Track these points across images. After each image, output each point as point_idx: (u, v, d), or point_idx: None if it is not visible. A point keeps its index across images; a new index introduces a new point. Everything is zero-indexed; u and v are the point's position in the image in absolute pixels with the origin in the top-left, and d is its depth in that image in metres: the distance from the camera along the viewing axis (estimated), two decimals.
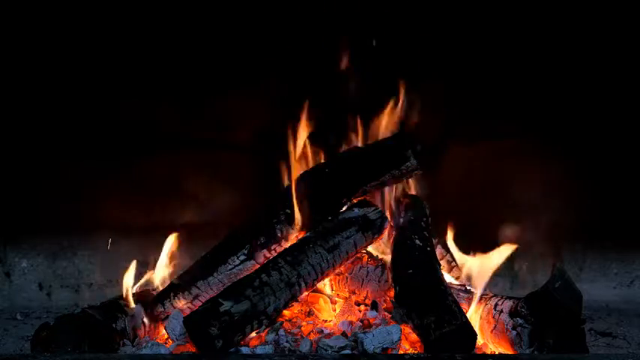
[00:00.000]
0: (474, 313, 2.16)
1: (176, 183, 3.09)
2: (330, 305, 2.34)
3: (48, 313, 2.87)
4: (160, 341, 2.17)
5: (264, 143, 3.04)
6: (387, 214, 2.44)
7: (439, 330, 1.90)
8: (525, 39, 3.00)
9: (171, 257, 2.44)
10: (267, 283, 2.05)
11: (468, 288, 2.32)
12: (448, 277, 2.41)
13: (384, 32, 2.85)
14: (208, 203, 3.04)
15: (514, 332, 1.98)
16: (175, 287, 2.31)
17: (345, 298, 2.37)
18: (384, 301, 2.29)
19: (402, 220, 2.47)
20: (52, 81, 3.01)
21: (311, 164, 2.54)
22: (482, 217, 2.71)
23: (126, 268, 2.32)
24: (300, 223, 2.35)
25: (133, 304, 2.22)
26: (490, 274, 2.25)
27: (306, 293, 2.24)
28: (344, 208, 2.38)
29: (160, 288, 2.37)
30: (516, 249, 2.28)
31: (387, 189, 2.51)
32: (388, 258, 2.36)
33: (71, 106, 3.05)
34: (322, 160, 2.55)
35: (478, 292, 2.22)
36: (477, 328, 2.04)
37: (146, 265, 2.45)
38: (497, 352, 2.06)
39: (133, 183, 3.04)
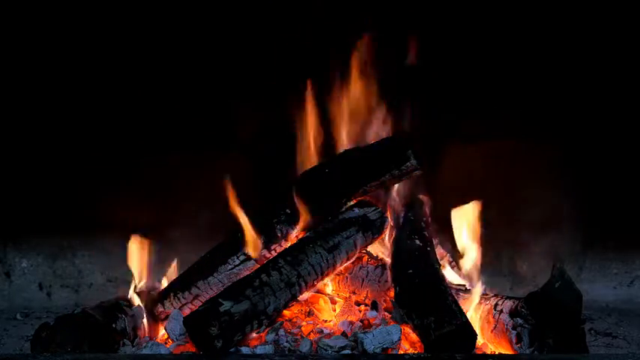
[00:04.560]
0: (474, 313, 2.16)
1: (176, 183, 3.09)
2: (330, 305, 2.34)
3: (48, 313, 2.87)
4: (160, 341, 2.17)
5: (264, 143, 3.04)
6: (387, 214, 2.44)
7: (439, 330, 1.90)
8: (526, 38, 3.00)
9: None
10: (267, 283, 2.05)
11: (468, 288, 2.32)
12: (448, 277, 2.41)
13: (385, 31, 2.85)
14: (208, 203, 3.03)
15: (514, 332, 1.98)
16: (175, 287, 2.31)
17: (345, 298, 2.37)
18: (384, 301, 2.29)
19: (402, 220, 2.47)
20: (52, 82, 3.01)
21: (311, 164, 2.54)
22: (481, 216, 2.70)
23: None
24: (300, 223, 2.35)
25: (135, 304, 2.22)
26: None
27: (306, 293, 2.24)
28: (344, 208, 2.38)
29: (160, 288, 2.37)
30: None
31: (387, 189, 2.51)
32: (388, 258, 2.36)
33: (71, 107, 3.05)
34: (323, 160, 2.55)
35: (478, 288, 2.22)
36: (477, 328, 2.04)
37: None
38: (497, 352, 2.06)
39: (133, 183, 3.04)
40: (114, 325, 2.09)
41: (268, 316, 2.04)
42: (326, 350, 1.98)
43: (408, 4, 2.94)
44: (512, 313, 2.02)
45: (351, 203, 2.40)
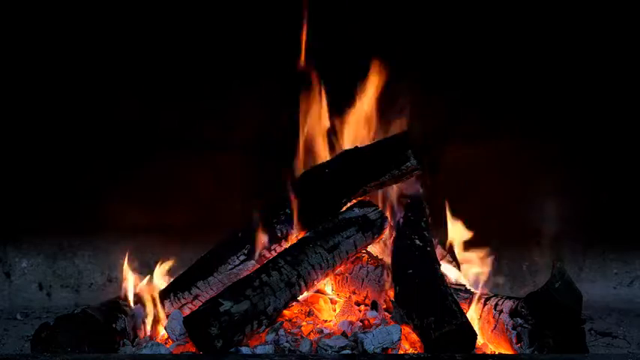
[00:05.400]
0: (474, 313, 2.16)
1: (176, 183, 3.09)
2: (330, 305, 2.34)
3: (48, 313, 2.87)
4: (160, 341, 2.17)
5: (264, 143, 3.04)
6: (387, 214, 2.44)
7: (439, 330, 1.90)
8: (526, 37, 3.00)
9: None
10: (267, 283, 2.05)
11: (468, 288, 2.33)
12: (448, 277, 2.41)
13: (383, 29, 2.85)
14: (208, 203, 3.04)
15: (514, 332, 1.98)
16: (175, 287, 2.31)
17: (345, 298, 2.37)
18: (384, 301, 2.29)
19: (402, 220, 2.47)
20: (52, 81, 3.01)
21: (312, 163, 2.54)
22: (481, 217, 2.71)
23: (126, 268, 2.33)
24: (300, 223, 2.35)
25: (132, 304, 2.22)
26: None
27: (306, 293, 2.24)
28: (344, 208, 2.38)
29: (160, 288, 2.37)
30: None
31: (387, 189, 2.51)
32: (388, 258, 2.36)
33: (71, 107, 3.05)
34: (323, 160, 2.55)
35: (478, 290, 2.23)
36: (477, 328, 2.04)
37: (146, 265, 2.45)
38: (497, 352, 2.06)
39: (133, 183, 3.04)
40: (114, 325, 2.09)
41: (268, 316, 2.04)
42: (326, 350, 1.98)
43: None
44: (512, 313, 2.02)
45: (351, 203, 2.40)
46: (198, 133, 3.10)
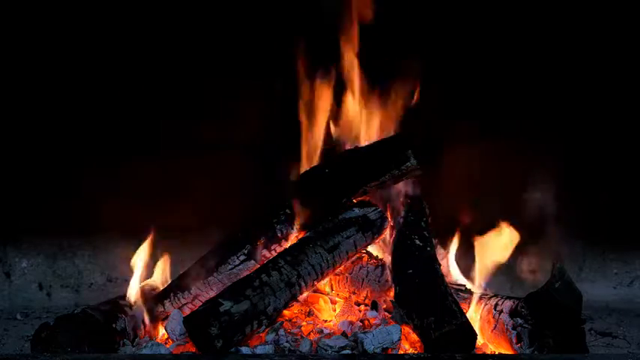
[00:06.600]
0: (474, 313, 2.16)
1: (176, 183, 3.09)
2: (330, 305, 2.34)
3: (48, 313, 2.87)
4: (160, 341, 2.17)
5: (264, 143, 3.04)
6: (387, 214, 2.44)
7: (439, 330, 1.90)
8: (525, 37, 3.00)
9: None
10: (267, 283, 2.05)
11: (468, 288, 2.33)
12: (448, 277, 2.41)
13: (383, 29, 2.85)
14: (208, 203, 3.03)
15: (514, 332, 1.98)
16: (175, 287, 2.31)
17: (345, 298, 2.37)
18: (384, 301, 2.29)
19: (402, 220, 2.47)
20: (53, 81, 3.01)
21: (312, 163, 2.54)
22: (481, 216, 2.71)
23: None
24: (300, 223, 2.35)
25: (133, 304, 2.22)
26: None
27: (306, 293, 2.24)
28: (344, 208, 2.38)
29: (160, 288, 2.37)
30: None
31: (387, 189, 2.51)
32: (388, 258, 2.36)
33: (71, 106, 3.05)
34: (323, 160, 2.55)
35: (478, 290, 2.22)
36: (477, 328, 2.04)
37: (146, 264, 2.45)
38: (497, 352, 2.06)
39: (133, 183, 3.04)
40: (114, 325, 2.09)
41: (268, 316, 2.04)
42: (326, 350, 1.98)
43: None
44: (512, 313, 2.02)
45: (351, 203, 2.40)
46: (198, 134, 3.10)
